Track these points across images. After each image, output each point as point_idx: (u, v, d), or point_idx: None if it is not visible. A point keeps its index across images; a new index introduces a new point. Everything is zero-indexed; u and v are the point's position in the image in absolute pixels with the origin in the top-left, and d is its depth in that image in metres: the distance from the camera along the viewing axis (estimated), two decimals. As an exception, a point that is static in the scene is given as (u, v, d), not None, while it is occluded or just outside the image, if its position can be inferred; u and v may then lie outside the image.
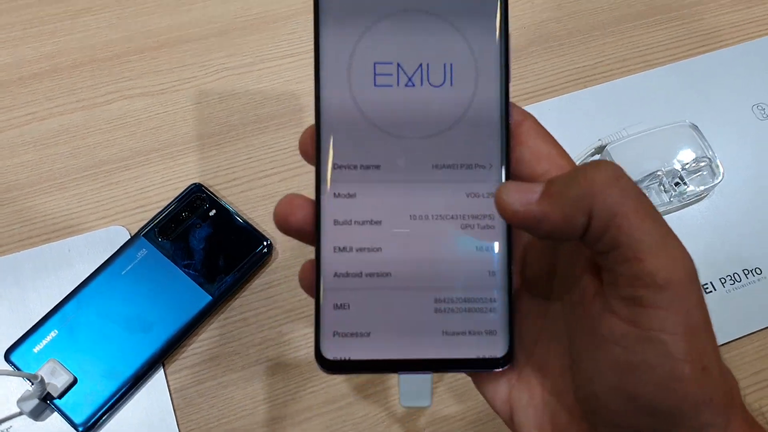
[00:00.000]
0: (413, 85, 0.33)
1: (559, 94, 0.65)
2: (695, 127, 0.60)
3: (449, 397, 0.54)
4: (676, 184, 0.58)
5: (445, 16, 0.33)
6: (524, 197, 0.29)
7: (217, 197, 0.58)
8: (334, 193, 0.32)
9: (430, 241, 0.32)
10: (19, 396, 0.50)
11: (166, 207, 0.57)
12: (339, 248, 0.32)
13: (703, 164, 0.59)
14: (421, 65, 0.33)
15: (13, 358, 0.52)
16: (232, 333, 0.55)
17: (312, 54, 0.32)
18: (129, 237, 0.57)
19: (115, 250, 0.56)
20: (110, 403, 0.51)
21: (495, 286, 0.33)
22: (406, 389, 0.32)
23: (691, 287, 0.27)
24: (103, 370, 0.52)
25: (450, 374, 0.54)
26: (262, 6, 0.68)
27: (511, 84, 0.33)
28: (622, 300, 0.28)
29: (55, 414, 0.51)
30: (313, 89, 0.32)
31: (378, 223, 0.32)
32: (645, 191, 0.53)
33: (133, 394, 0.52)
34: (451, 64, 0.33)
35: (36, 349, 0.52)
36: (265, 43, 0.66)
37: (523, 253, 0.34)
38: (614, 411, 0.28)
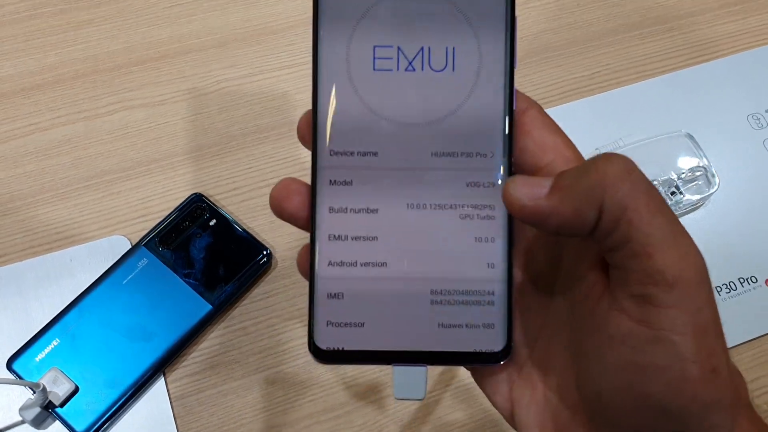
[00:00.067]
0: (414, 70, 0.31)
1: (555, 105, 0.65)
2: (691, 137, 0.61)
3: (453, 404, 0.54)
4: (672, 193, 0.59)
5: None
6: (533, 192, 0.28)
7: (218, 207, 0.58)
8: (330, 180, 0.32)
9: (427, 231, 0.32)
10: (21, 404, 0.51)
11: (166, 217, 0.58)
12: (334, 236, 0.32)
13: (699, 174, 0.60)
14: (422, 49, 0.31)
15: (15, 366, 0.52)
16: (232, 342, 0.55)
17: (312, 52, 0.32)
18: (130, 246, 0.57)
19: (117, 259, 0.56)
20: (111, 411, 0.52)
21: (494, 278, 0.32)
22: (400, 381, 0.32)
23: (702, 285, 0.27)
24: (104, 378, 0.52)
25: (454, 381, 0.54)
26: (261, 18, 0.69)
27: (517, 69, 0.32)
28: (630, 298, 0.27)
29: (57, 422, 0.51)
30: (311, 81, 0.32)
31: (374, 211, 0.32)
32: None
33: (134, 402, 0.53)
34: (453, 48, 0.31)
35: (38, 358, 0.53)
36: (264, 54, 0.67)
37: (527, 246, 0.33)
38: (620, 411, 0.28)
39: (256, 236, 0.58)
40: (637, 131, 0.63)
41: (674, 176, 0.59)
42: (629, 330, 0.27)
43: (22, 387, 0.52)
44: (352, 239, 0.31)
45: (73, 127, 0.63)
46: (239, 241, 0.57)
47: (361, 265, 0.31)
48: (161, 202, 0.60)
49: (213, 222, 0.58)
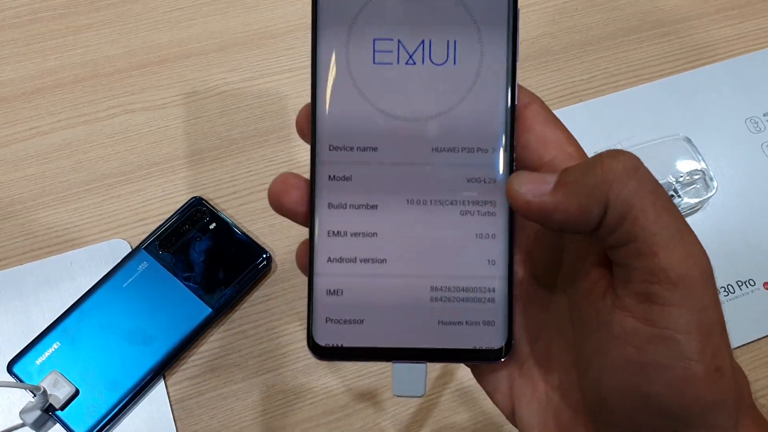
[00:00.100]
0: (414, 63, 0.31)
1: (554, 108, 0.64)
2: (689, 141, 0.61)
3: (452, 406, 0.54)
4: (671, 196, 0.59)
5: None
6: (537, 187, 0.28)
7: (217, 210, 0.59)
8: (329, 176, 0.31)
9: (427, 228, 0.31)
10: (21, 407, 0.51)
11: (166, 220, 0.58)
12: (333, 233, 0.31)
13: (697, 177, 0.60)
14: (423, 42, 0.31)
15: (16, 369, 0.53)
16: (231, 345, 0.56)
17: (311, 44, 0.31)
18: (130, 250, 0.58)
19: (117, 262, 0.56)
20: (112, 414, 0.52)
21: (494, 275, 0.31)
22: (400, 378, 0.32)
23: (706, 284, 0.26)
24: (104, 381, 0.52)
25: (454, 383, 0.55)
26: (261, 22, 0.69)
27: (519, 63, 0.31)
28: (634, 296, 0.27)
29: (57, 425, 0.51)
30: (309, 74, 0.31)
31: (374, 207, 0.31)
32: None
33: (134, 405, 0.53)
34: (455, 41, 0.31)
35: (38, 361, 0.53)
36: (264, 58, 0.67)
37: (528, 242, 0.33)
38: (622, 411, 0.28)
39: (255, 240, 0.58)
40: (635, 135, 0.63)
41: (672, 180, 0.59)
42: (632, 328, 0.27)
43: (23, 390, 0.52)
44: (352, 235, 0.31)
45: (73, 131, 0.63)
46: (239, 245, 0.58)
47: (361, 262, 0.31)
48: (161, 206, 0.60)
49: (213, 225, 0.58)
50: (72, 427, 0.51)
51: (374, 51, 0.31)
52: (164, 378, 0.54)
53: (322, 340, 0.31)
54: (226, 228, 0.58)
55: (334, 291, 0.31)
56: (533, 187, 0.28)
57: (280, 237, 0.59)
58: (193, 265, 0.56)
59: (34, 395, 0.51)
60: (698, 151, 0.60)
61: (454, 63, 0.31)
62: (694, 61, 0.68)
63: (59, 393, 0.51)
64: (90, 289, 0.55)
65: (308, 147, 0.32)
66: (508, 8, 0.31)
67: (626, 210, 0.26)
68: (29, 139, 0.63)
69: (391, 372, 0.32)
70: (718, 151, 0.63)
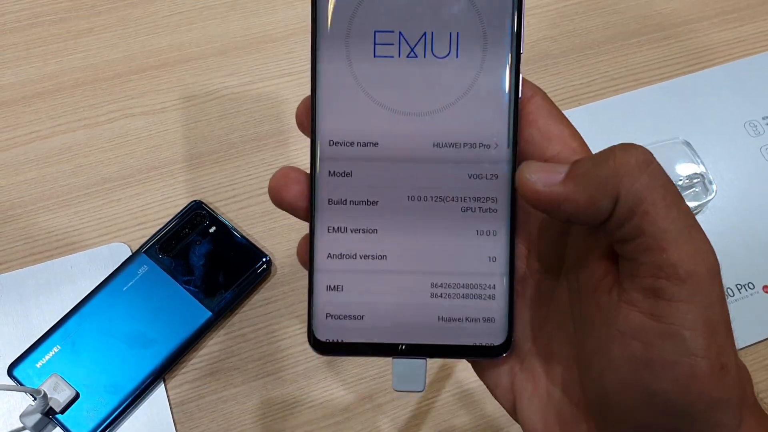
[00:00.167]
0: (416, 57, 0.30)
1: (553, 112, 0.65)
2: (688, 144, 0.61)
3: (453, 409, 0.54)
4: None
5: None
6: (548, 177, 0.28)
7: (217, 214, 0.59)
8: (329, 171, 0.31)
9: (428, 224, 0.31)
10: (22, 411, 0.51)
11: (166, 224, 0.58)
12: (333, 228, 0.31)
13: (696, 181, 0.60)
14: (424, 34, 0.30)
15: (16, 373, 0.53)
16: (231, 348, 0.56)
17: (311, 37, 0.31)
18: (130, 254, 0.58)
19: (117, 266, 0.56)
20: (112, 417, 0.52)
21: (495, 272, 0.31)
22: (400, 374, 0.32)
23: (713, 282, 0.26)
24: (104, 385, 0.52)
25: (454, 384, 0.55)
26: (260, 26, 0.69)
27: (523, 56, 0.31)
28: (641, 291, 0.27)
29: (58, 429, 0.52)
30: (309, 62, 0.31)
31: (374, 203, 0.31)
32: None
33: (134, 408, 0.53)
34: (457, 34, 0.30)
35: (39, 365, 0.53)
36: (264, 62, 0.67)
37: (531, 238, 0.32)
38: (625, 407, 0.28)
39: (255, 243, 0.58)
40: (634, 138, 0.62)
41: (672, 183, 0.59)
42: (639, 323, 0.27)
43: (23, 393, 0.52)
44: (352, 232, 0.31)
45: (73, 135, 0.63)
46: (239, 248, 0.58)
47: (361, 258, 0.31)
48: (161, 210, 0.60)
49: (213, 229, 0.58)
50: (72, 430, 0.51)
51: (375, 44, 0.30)
52: (164, 381, 0.54)
53: (322, 336, 0.32)
54: (225, 231, 0.58)
55: (335, 287, 0.31)
56: (543, 177, 0.28)
57: (279, 240, 0.59)
58: (193, 268, 0.56)
59: (35, 398, 0.51)
60: (697, 155, 0.61)
61: (457, 56, 0.30)
62: (693, 64, 0.68)
63: (59, 396, 0.51)
64: (90, 292, 0.55)
65: (308, 148, 0.32)
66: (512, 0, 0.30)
67: (637, 204, 0.26)
68: (30, 143, 0.63)
69: (391, 367, 0.32)
70: (718, 155, 0.63)
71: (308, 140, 0.32)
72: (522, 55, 0.31)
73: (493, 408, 0.53)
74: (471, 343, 0.32)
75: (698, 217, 0.60)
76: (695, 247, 0.26)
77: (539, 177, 0.28)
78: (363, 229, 0.31)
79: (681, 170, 0.60)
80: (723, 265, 0.27)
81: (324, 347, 0.32)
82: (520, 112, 0.31)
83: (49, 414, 0.51)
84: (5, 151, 0.62)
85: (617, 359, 0.27)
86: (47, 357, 0.53)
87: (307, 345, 0.32)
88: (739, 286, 0.58)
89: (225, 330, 0.56)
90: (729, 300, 0.57)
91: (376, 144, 0.31)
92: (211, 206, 0.59)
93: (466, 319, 0.31)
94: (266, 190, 0.32)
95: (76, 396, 0.52)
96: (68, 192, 0.61)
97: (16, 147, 0.63)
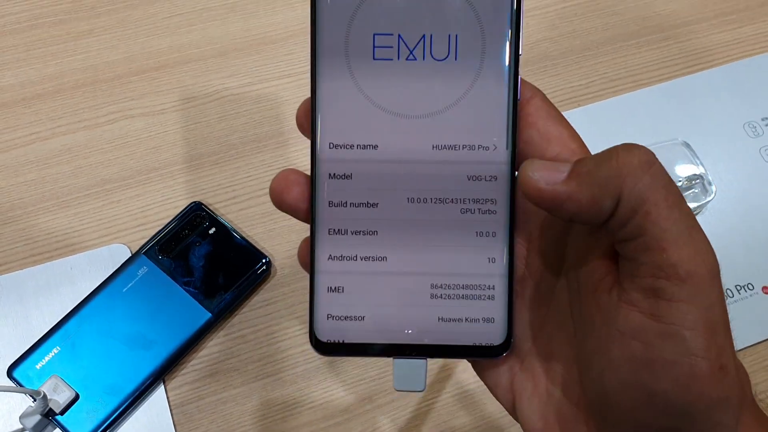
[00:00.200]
0: (415, 59, 0.30)
1: (553, 113, 0.65)
2: (687, 146, 0.61)
3: (453, 410, 0.54)
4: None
5: None
6: (550, 175, 0.28)
7: (217, 215, 0.59)
8: (329, 174, 0.31)
9: (428, 226, 0.31)
10: (21, 412, 0.51)
11: (166, 225, 0.58)
12: (333, 230, 0.31)
13: (695, 182, 0.60)
14: (423, 37, 0.30)
15: (16, 374, 0.53)
16: (231, 349, 0.56)
17: (310, 39, 0.31)
18: (130, 255, 0.58)
19: (117, 267, 0.56)
20: (112, 418, 0.52)
21: (495, 273, 0.31)
22: (400, 374, 0.32)
23: (713, 282, 0.26)
24: (104, 386, 0.52)
25: (455, 386, 0.55)
26: (260, 28, 0.69)
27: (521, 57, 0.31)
28: (641, 291, 0.27)
29: (57, 430, 0.52)
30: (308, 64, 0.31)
31: (374, 205, 0.31)
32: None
33: (134, 409, 0.53)
34: (456, 36, 0.30)
35: (38, 366, 0.53)
36: (263, 63, 0.67)
37: (531, 238, 0.33)
38: (625, 407, 0.28)
39: (255, 244, 0.58)
40: (633, 139, 0.62)
41: (671, 184, 0.59)
42: (639, 323, 0.27)
43: (23, 395, 0.52)
44: (352, 233, 0.31)
45: (73, 137, 0.63)
46: (238, 250, 0.58)
47: (361, 259, 0.32)
48: (161, 211, 0.60)
49: (212, 230, 0.58)
50: (72, 431, 0.51)
51: (374, 47, 0.31)
52: (164, 382, 0.54)
53: (323, 336, 0.32)
54: (225, 233, 0.58)
55: (335, 288, 0.32)
56: (546, 175, 0.28)
57: (279, 242, 0.59)
58: (193, 269, 0.56)
59: (34, 400, 0.51)
60: (697, 156, 0.61)
61: (456, 58, 0.30)
62: (692, 66, 0.69)
63: (59, 397, 0.51)
64: (90, 293, 0.55)
65: (308, 149, 0.32)
66: (511, 2, 0.30)
67: (639, 204, 0.26)
68: (29, 145, 0.63)
69: (391, 368, 0.32)
70: (717, 156, 0.64)
71: (308, 141, 0.32)
72: (521, 57, 0.31)
73: (493, 409, 0.53)
74: (471, 343, 0.32)
75: (697, 219, 0.61)
76: (696, 247, 0.26)
77: (542, 175, 0.28)
78: (363, 231, 0.31)
79: (680, 171, 0.60)
80: (722, 266, 0.27)
81: (325, 348, 0.32)
82: (519, 113, 0.31)
83: (49, 415, 0.51)
84: (5, 152, 0.62)
85: (617, 359, 0.28)
86: (47, 358, 0.53)
87: (307, 346, 0.32)
88: (739, 287, 0.58)
89: (225, 331, 0.56)
90: (728, 301, 0.57)
91: (375, 146, 0.31)
92: (210, 207, 0.59)
93: (466, 320, 0.32)
94: (266, 191, 0.32)
95: (76, 397, 0.52)
96: (68, 193, 0.61)
97: (16, 148, 0.63)
